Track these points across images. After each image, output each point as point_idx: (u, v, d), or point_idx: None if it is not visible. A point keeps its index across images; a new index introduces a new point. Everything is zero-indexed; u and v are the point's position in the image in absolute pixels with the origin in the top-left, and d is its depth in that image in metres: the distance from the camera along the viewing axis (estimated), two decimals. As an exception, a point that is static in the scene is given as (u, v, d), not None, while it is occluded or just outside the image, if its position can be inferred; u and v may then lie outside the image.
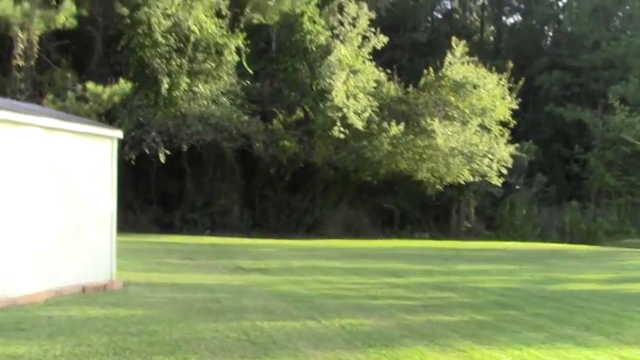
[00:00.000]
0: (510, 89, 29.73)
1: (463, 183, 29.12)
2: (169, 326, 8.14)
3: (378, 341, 7.81)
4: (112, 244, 11.19)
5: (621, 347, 8.08)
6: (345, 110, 25.49)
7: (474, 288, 13.33)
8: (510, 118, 29.19)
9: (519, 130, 32.38)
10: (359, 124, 25.64)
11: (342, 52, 26.81)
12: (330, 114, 25.61)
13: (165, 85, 25.30)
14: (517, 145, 29.69)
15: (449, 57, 28.04)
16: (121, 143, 25.85)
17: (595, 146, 39.10)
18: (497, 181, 28.71)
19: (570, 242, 32.71)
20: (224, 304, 10.04)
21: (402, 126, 26.24)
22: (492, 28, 52.85)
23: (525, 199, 35.02)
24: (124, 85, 24.11)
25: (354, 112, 25.63)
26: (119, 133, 11.54)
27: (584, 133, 40.02)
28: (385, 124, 26.16)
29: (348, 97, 25.81)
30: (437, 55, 31.45)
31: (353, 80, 26.21)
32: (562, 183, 38.85)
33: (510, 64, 30.06)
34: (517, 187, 34.32)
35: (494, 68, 29.20)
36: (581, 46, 42.41)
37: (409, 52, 41.45)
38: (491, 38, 52.30)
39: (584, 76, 41.04)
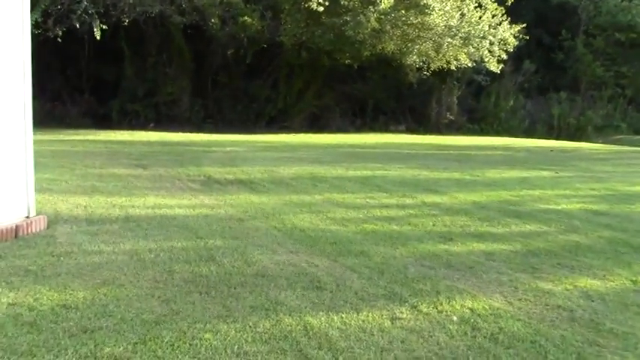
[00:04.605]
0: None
1: (454, 69, 24.93)
2: (143, 344, 3.96)
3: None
4: (27, 156, 6.70)
5: None
6: (325, -25, 20.63)
7: (553, 212, 9.43)
8: (508, -6, 24.80)
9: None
10: (343, -7, 20.89)
11: None
12: (307, -21, 20.67)
13: (98, -58, 19.87)
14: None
15: None
16: (44, 16, 20.84)
17: (582, 32, 35.16)
18: (496, 67, 24.58)
19: (557, 137, 29.42)
20: (225, 263, 5.82)
21: (390, -2, 21.57)
22: None
23: (511, 90, 31.17)
24: (44, -60, 18.67)
25: (336, -22, 20.81)
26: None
27: (569, 18, 35.97)
28: (373, -5, 21.41)
29: (328, -40, 20.93)
30: None
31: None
32: (544, 72, 35.04)
33: None
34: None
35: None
36: None
37: None
38: None
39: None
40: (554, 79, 34.45)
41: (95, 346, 3.93)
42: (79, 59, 25.21)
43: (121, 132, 19.96)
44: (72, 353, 3.81)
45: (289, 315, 4.59)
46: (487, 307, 4.98)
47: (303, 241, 6.84)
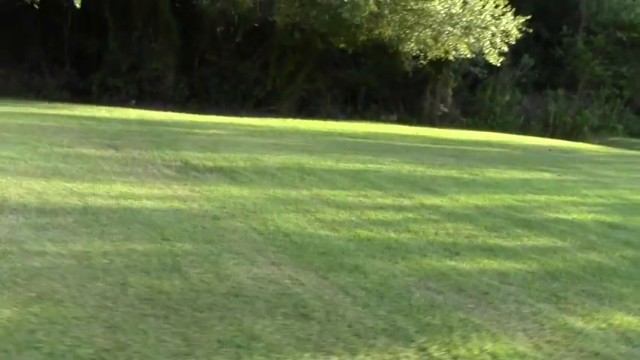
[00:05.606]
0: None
1: (451, 59, 23.92)
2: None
3: None
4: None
5: None
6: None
7: (565, 223, 8.52)
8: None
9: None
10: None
11: None
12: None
13: None
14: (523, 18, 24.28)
15: None
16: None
17: (583, 29, 34.17)
18: (496, 60, 23.59)
19: (552, 136, 28.50)
20: (192, 276, 4.84)
21: (390, -18, 20.53)
22: None
23: (508, 84, 30.18)
24: None
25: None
26: None
27: (570, 13, 34.98)
28: (371, -23, 20.33)
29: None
30: None
31: None
32: (542, 68, 34.02)
33: None
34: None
35: None
36: None
37: None
38: None
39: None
40: (552, 76, 33.46)
41: (5, 399, 2.94)
42: (60, 29, 23.97)
43: (99, 108, 18.79)
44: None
45: (267, 357, 3.61)
46: (512, 351, 4.04)
47: (287, 249, 5.87)
